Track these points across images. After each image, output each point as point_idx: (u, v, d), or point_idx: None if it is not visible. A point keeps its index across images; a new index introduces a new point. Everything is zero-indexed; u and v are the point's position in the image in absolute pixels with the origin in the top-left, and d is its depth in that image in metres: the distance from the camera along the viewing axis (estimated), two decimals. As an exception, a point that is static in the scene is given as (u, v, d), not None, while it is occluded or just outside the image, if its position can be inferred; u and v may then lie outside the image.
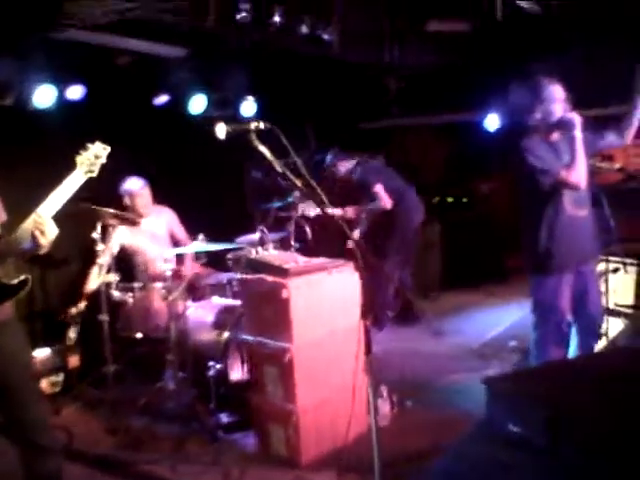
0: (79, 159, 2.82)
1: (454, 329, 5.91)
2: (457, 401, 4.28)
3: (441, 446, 3.65)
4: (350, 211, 5.80)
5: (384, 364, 4.97)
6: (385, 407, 4.01)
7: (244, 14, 3.90)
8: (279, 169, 2.49)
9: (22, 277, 2.73)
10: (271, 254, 3.83)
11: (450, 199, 8.32)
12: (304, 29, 4.48)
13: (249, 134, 2.52)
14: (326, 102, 6.44)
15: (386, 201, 5.72)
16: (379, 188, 5.72)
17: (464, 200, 8.39)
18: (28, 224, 2.65)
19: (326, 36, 4.66)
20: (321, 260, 3.75)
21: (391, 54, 5.47)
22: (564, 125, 3.56)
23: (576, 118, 3.51)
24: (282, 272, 3.41)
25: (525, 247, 3.81)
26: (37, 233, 2.63)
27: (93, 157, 2.84)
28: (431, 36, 5.94)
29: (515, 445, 2.20)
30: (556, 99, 3.59)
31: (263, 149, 2.52)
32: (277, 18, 4.17)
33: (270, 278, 3.45)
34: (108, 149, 2.91)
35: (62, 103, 4.85)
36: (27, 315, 5.10)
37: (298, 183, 2.51)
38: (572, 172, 3.48)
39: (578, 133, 3.49)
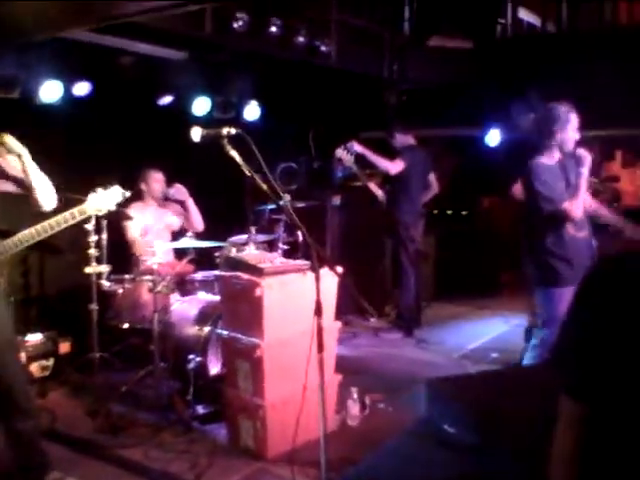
0: (91, 196, 3.17)
1: (438, 339, 6.03)
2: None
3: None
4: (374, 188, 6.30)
5: (361, 367, 5.13)
6: (355, 408, 4.14)
7: (240, 23, 4.07)
8: (248, 173, 2.64)
9: None
10: (250, 253, 3.99)
11: (449, 212, 8.43)
12: (301, 39, 4.63)
13: (221, 139, 2.67)
14: (327, 110, 6.59)
15: (393, 168, 5.95)
16: (399, 163, 5.95)
17: (463, 213, 8.50)
18: (24, 239, 3.05)
19: (323, 47, 4.81)
20: (298, 262, 3.90)
21: (390, 68, 5.61)
22: (576, 159, 3.84)
23: (588, 157, 3.80)
24: (257, 271, 3.56)
25: (531, 260, 4.02)
26: None
27: (106, 198, 3.20)
28: (432, 52, 6.10)
29: (448, 444, 2.33)
30: (574, 127, 3.85)
31: (234, 154, 2.67)
32: (274, 28, 4.32)
33: (246, 276, 3.60)
34: (127, 194, 3.28)
35: (68, 99, 5.05)
36: (22, 300, 5.30)
37: (264, 187, 2.66)
38: (573, 205, 3.74)
39: (586, 171, 3.78)
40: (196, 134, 2.71)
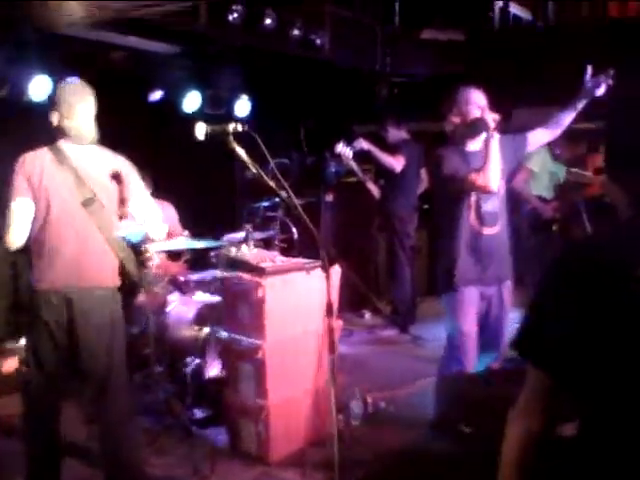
0: None
1: (433, 334, 5.96)
2: (431, 404, 4.35)
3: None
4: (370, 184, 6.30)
5: (360, 366, 5.07)
6: (358, 408, 4.07)
7: (235, 16, 3.97)
8: (254, 170, 2.56)
9: None
10: (250, 253, 3.90)
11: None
12: (296, 32, 4.55)
13: (227, 136, 2.58)
14: (318, 104, 6.52)
15: (397, 165, 5.91)
16: (401, 159, 5.93)
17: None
18: None
19: (318, 40, 4.74)
20: (299, 260, 3.82)
21: (382, 61, 5.54)
22: (476, 126, 3.26)
23: (489, 119, 3.21)
24: (258, 271, 3.48)
25: (437, 261, 3.66)
26: None
27: None
28: (424, 44, 6.04)
29: (467, 442, 2.27)
30: (473, 102, 3.30)
31: (239, 150, 2.58)
32: (269, 21, 4.23)
33: (247, 276, 3.52)
34: None
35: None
36: (13, 304, 5.17)
37: (272, 184, 2.58)
38: (481, 174, 3.19)
39: (495, 135, 3.20)
40: (200, 131, 2.62)
